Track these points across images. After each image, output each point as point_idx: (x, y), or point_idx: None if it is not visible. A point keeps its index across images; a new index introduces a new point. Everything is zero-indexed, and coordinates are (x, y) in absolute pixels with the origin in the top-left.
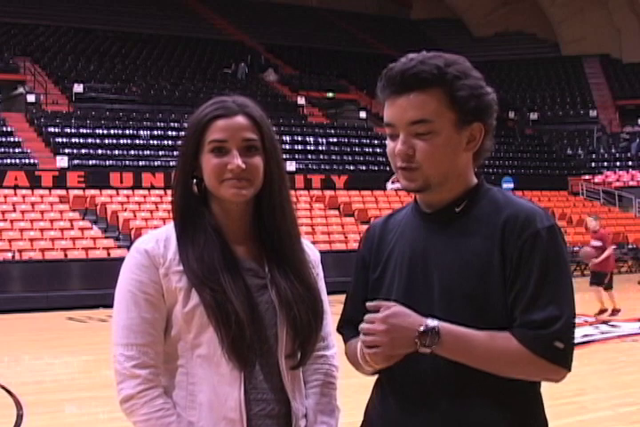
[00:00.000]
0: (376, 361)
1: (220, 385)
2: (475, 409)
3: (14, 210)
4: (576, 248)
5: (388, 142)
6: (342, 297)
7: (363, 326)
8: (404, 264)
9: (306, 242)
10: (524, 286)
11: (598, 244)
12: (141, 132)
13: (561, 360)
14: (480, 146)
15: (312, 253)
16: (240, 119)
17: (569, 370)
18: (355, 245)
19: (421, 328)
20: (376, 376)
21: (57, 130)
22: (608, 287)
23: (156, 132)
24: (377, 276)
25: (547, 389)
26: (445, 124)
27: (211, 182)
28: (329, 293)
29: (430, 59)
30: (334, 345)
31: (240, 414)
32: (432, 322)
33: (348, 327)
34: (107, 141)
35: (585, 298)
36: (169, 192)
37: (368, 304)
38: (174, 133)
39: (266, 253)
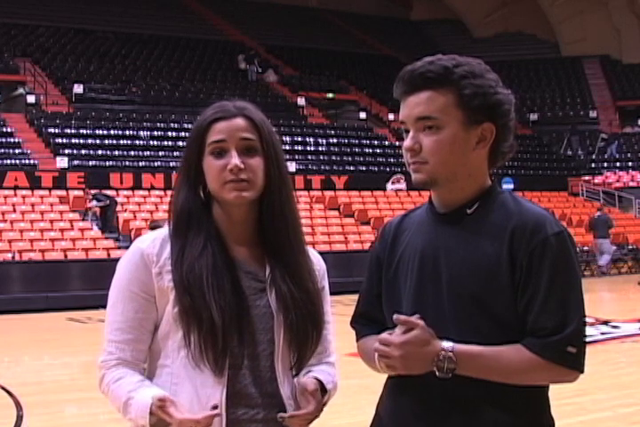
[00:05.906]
0: (391, 372)
1: (202, 387)
2: (487, 414)
3: (14, 210)
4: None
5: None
6: (343, 298)
7: (377, 346)
8: (416, 264)
9: (314, 252)
10: (534, 291)
11: None
12: (141, 133)
13: (574, 364)
14: (494, 147)
15: (318, 264)
16: (239, 121)
17: (582, 372)
18: (355, 246)
19: (438, 357)
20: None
21: (57, 131)
22: None
23: (155, 133)
24: (391, 275)
25: None
26: (451, 122)
27: (213, 185)
28: (329, 293)
29: (441, 60)
30: (333, 353)
31: (220, 417)
32: (448, 349)
33: (362, 322)
34: (107, 142)
35: (590, 299)
36: (169, 193)
37: (395, 317)
38: (174, 134)
39: (267, 256)
